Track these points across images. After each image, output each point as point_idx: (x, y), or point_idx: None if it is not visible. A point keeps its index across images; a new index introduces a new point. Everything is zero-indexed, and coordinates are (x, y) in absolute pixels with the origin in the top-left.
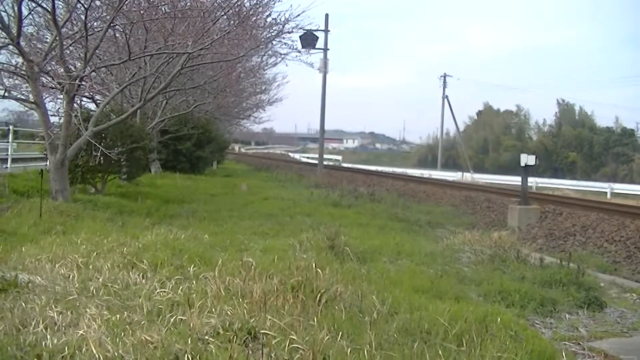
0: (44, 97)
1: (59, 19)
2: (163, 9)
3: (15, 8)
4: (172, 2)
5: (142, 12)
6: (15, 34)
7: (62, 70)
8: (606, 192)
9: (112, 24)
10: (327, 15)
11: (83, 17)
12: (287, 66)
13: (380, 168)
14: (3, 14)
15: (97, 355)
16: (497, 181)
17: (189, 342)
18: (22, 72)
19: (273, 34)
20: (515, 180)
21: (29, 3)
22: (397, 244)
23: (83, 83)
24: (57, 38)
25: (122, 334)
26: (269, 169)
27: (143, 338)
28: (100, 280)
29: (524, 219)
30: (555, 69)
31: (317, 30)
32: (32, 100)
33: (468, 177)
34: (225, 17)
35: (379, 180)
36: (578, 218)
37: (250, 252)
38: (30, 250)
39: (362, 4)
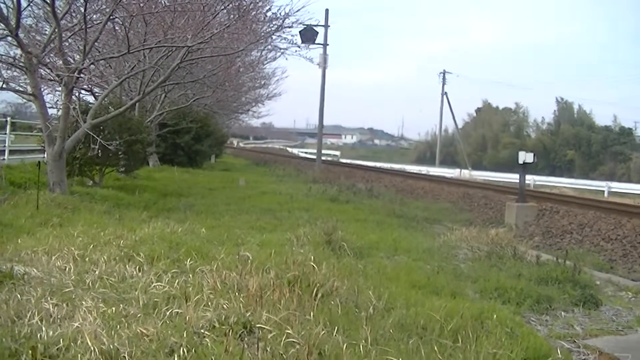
0: (42, 89)
1: (58, 11)
2: (163, 2)
3: None
4: None
5: (141, 5)
6: (14, 26)
7: (60, 62)
8: (604, 191)
9: (111, 17)
10: (327, 10)
11: (82, 9)
12: (287, 60)
13: (378, 164)
14: (2, 5)
15: (92, 348)
16: (495, 178)
17: (185, 335)
18: (21, 64)
19: (273, 28)
20: (513, 177)
21: None
22: (394, 239)
23: (82, 75)
24: (56, 30)
25: (118, 326)
26: (267, 164)
27: (139, 331)
28: (97, 272)
29: (522, 217)
30: (555, 66)
31: (317, 25)
32: (30, 92)
33: (466, 174)
34: (225, 11)
35: (377, 176)
36: (575, 216)
37: (247, 246)
38: (27, 242)
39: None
